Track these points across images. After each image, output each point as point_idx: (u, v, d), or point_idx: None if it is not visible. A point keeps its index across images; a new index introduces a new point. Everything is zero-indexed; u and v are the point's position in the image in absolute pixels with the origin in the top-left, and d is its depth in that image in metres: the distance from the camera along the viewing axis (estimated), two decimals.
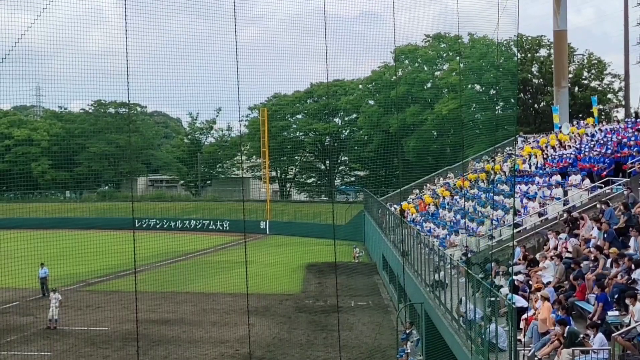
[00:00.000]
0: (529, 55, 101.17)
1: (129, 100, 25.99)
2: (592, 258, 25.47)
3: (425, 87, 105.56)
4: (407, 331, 33.26)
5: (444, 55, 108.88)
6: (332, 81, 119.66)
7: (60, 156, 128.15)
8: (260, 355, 35.31)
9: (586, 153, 42.85)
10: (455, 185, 57.01)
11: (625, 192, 32.25)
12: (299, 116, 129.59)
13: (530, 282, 26.38)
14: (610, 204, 30.76)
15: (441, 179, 65.38)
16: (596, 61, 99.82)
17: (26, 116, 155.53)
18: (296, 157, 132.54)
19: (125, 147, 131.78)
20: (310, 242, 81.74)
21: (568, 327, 19.69)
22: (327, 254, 64.62)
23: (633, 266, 22.61)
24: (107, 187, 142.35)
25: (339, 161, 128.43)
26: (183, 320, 43.84)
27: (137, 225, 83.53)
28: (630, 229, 26.11)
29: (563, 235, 30.20)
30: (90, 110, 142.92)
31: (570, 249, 28.34)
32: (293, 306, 48.35)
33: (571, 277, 24.64)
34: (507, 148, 60.44)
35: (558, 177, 39.88)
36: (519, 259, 30.39)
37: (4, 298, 46.67)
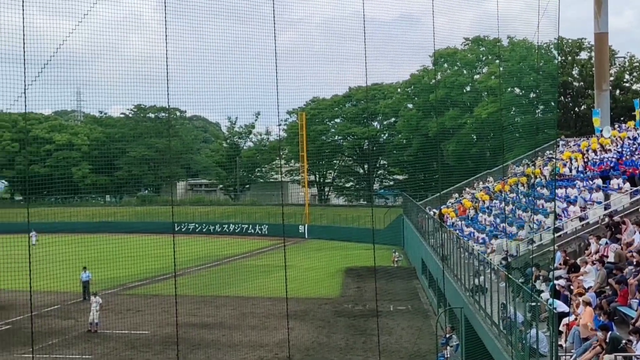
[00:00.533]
0: (570, 58, 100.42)
1: (168, 105, 26.21)
2: (635, 263, 25.16)
3: (464, 91, 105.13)
4: (447, 336, 33.08)
5: (483, 58, 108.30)
6: (371, 85, 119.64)
7: (100, 160, 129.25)
8: (299, 359, 35.32)
9: (628, 156, 42.40)
10: (494, 189, 56.67)
11: None
12: (338, 120, 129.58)
13: (572, 287, 26.12)
14: None
15: (480, 182, 65.03)
16: (638, 64, 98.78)
17: (67, 121, 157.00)
18: (335, 161, 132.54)
19: (165, 151, 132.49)
20: (349, 246, 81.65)
21: (610, 332, 19.45)
22: (365, 258, 64.48)
23: None
24: (146, 191, 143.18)
25: (377, 165, 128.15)
26: (222, 324, 43.94)
27: (176, 229, 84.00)
28: None
29: (604, 240, 29.86)
30: (130, 115, 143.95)
31: (611, 254, 28.00)
32: (332, 310, 48.29)
33: (613, 281, 24.34)
34: (548, 152, 59.94)
35: (599, 181, 39.47)
36: (560, 264, 30.10)
37: (45, 301, 46.91)
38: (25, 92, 22.56)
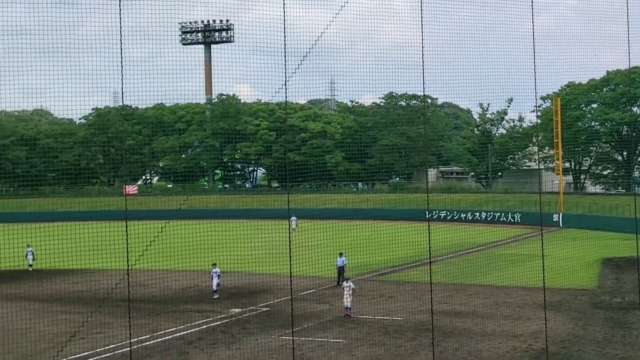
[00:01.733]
0: None
1: (424, 93, 26.18)
2: None
3: None
4: None
5: None
6: (631, 68, 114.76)
7: (353, 149, 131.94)
8: (554, 351, 34.30)
9: None
10: None
11: None
12: (594, 105, 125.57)
13: None
14: None
15: None
16: None
17: (321, 109, 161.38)
18: (591, 148, 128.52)
19: (416, 139, 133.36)
20: (606, 235, 78.84)
21: None
22: (625, 248, 61.94)
23: None
24: (398, 179, 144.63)
25: (637, 152, 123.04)
26: (475, 312, 43.46)
27: (427, 217, 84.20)
28: None
29: None
30: (382, 104, 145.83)
31: None
32: (588, 302, 46.63)
33: None
34: None
35: None
36: None
37: (301, 286, 48.39)
38: (285, 83, 23.30)
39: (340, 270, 52.19)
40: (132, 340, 29.33)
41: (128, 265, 23.58)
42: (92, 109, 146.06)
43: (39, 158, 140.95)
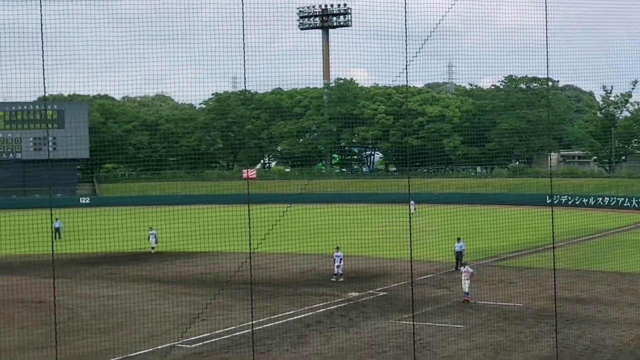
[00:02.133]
0: None
1: (547, 76, 25.71)
2: None
3: None
4: None
5: None
6: None
7: (471, 132, 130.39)
8: None
9: None
10: None
11: None
12: None
13: None
14: None
15: None
16: None
17: (438, 93, 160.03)
18: None
19: (537, 122, 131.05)
20: None
21: None
22: None
23: None
24: (517, 163, 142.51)
25: None
26: (598, 299, 42.54)
27: (548, 202, 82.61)
28: None
29: None
30: (501, 87, 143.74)
31: None
32: None
33: None
34: None
35: None
36: None
37: (420, 270, 48.19)
38: (407, 67, 23.20)
39: (459, 255, 51.89)
40: (253, 322, 29.75)
41: (250, 249, 23.87)
42: (212, 94, 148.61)
43: (160, 142, 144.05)
